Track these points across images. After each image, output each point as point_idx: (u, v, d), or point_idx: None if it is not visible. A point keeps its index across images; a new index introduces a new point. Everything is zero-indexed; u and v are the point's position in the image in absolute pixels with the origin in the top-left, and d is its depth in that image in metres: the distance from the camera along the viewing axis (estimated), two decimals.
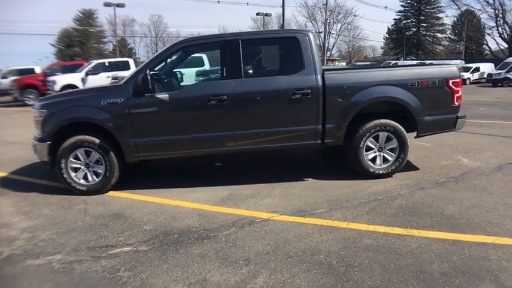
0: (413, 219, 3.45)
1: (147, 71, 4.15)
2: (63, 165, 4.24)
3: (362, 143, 4.48)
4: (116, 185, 4.45)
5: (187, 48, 4.55)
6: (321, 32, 46.79)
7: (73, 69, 16.74)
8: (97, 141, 4.21)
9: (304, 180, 4.67)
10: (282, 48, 4.62)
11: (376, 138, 4.55)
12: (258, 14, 32.83)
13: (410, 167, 5.05)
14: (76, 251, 3.09)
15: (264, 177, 4.73)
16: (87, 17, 57.66)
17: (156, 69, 4.38)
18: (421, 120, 4.54)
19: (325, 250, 2.95)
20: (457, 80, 4.57)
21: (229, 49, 4.29)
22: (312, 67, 4.32)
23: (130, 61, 17.09)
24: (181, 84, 4.65)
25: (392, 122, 4.50)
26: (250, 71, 4.42)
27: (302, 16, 64.93)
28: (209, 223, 3.53)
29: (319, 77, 4.32)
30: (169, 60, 4.50)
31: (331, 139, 4.48)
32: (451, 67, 4.78)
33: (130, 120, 4.18)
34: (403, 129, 4.54)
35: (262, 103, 4.34)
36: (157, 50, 64.27)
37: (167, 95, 4.18)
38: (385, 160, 4.63)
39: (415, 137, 4.79)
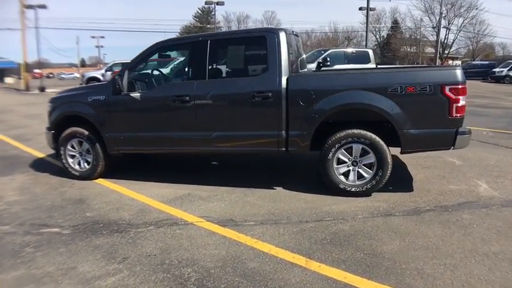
0: (333, 249, 2.99)
1: (126, 71, 4.51)
2: (62, 152, 4.95)
3: (331, 155, 4.01)
4: (109, 173, 4.99)
5: (162, 50, 4.75)
6: (435, 27, 41.37)
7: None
8: (86, 133, 4.78)
9: (272, 188, 4.42)
10: (250, 48, 4.43)
11: (350, 151, 4.01)
12: (360, 8, 30.83)
13: (406, 186, 4.30)
14: (20, 225, 3.64)
15: (237, 181, 4.65)
16: (205, 14, 62.82)
17: (137, 69, 4.71)
18: (405, 133, 3.81)
19: (200, 264, 2.83)
20: (458, 87, 3.67)
21: (198, 50, 4.33)
22: (276, 69, 4.04)
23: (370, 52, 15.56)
24: (156, 84, 4.87)
25: (368, 134, 3.89)
26: (215, 72, 4.37)
27: (418, 10, 58.61)
28: (138, 219, 3.71)
29: (283, 79, 4.02)
30: (146, 61, 4.76)
31: (295, 148, 4.13)
32: (450, 70, 3.84)
33: (110, 116, 4.62)
34: (382, 142, 3.88)
35: (223, 105, 4.27)
36: None
37: (139, 94, 4.47)
38: (360, 177, 4.04)
39: (400, 153, 4.05)
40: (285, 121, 4.06)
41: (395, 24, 55.64)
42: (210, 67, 4.29)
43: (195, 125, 4.34)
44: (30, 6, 23.55)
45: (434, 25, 43.75)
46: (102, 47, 64.96)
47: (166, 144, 4.55)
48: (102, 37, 60.33)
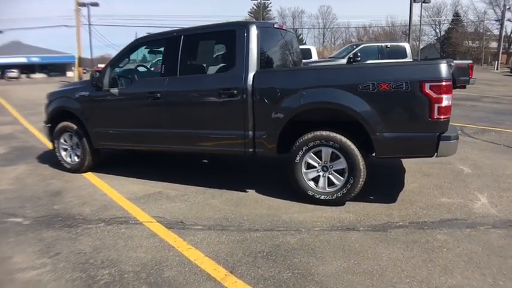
0: (263, 265, 2.69)
1: (108, 67, 4.56)
2: (56, 145, 5.17)
3: (298, 158, 3.67)
4: (99, 167, 5.12)
5: (142, 45, 4.70)
6: (498, 20, 36.95)
7: None
8: (75, 127, 4.93)
9: (244, 191, 4.19)
10: (220, 43, 4.22)
11: (319, 155, 3.64)
12: (414, 0, 28.53)
13: (390, 197, 3.82)
14: None
15: (217, 181, 4.48)
16: (261, 10, 62.80)
17: (119, 65, 4.73)
18: (378, 137, 3.35)
19: (120, 267, 2.73)
20: (440, 84, 3.12)
21: (171, 45, 4.22)
22: (243, 64, 3.78)
23: (313, 49, 15.69)
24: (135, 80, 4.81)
25: (338, 136, 3.49)
26: (186, 68, 4.22)
27: (482, 2, 53.27)
28: (95, 215, 3.71)
29: (250, 76, 3.75)
30: (127, 57, 4.74)
31: (262, 149, 3.85)
32: (431, 65, 3.26)
33: (93, 111, 4.71)
34: (353, 147, 3.46)
35: (192, 103, 4.12)
36: (323, 41, 64.75)
37: (117, 90, 4.48)
38: (331, 183, 3.65)
39: (375, 158, 3.58)
40: (251, 121, 3.80)
41: (456, 17, 51.25)
42: (181, 63, 4.15)
43: (167, 122, 4.24)
44: (83, 4, 25.27)
45: (499, 18, 39.33)
46: None
47: (142, 141, 4.52)
48: None
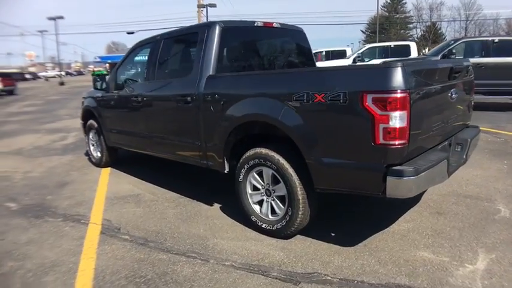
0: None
1: (114, 70, 4.84)
2: (86, 141, 5.76)
3: (241, 177, 3.21)
4: (118, 164, 5.51)
5: (138, 49, 4.74)
6: None
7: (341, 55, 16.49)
8: (96, 125, 5.40)
9: (209, 204, 3.89)
10: (187, 46, 3.93)
11: (262, 175, 3.09)
12: None
13: (354, 239, 3.00)
14: (1, 197, 4.49)
15: (194, 190, 4.31)
16: (395, 3, 57.99)
17: (123, 68, 4.92)
18: (313, 162, 2.64)
19: (12, 256, 2.84)
20: (387, 97, 2.24)
21: (153, 49, 4.20)
22: (199, 69, 3.47)
23: (412, 45, 14.27)
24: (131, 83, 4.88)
25: (276, 156, 2.89)
26: (161, 73, 4.11)
27: None
28: (65, 210, 3.97)
29: (203, 81, 3.43)
30: (130, 60, 4.87)
31: (212, 162, 3.49)
32: (377, 69, 2.34)
33: (103, 112, 5.07)
34: (290, 170, 2.82)
35: (159, 109, 4.04)
36: (465, 35, 55.84)
37: (116, 93, 4.71)
38: (273, 211, 3.07)
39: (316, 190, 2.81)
40: (202, 130, 3.48)
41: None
42: (158, 67, 4.09)
43: (144, 126, 4.26)
44: (202, 6, 27.31)
45: None
46: None
47: (133, 144, 4.65)
48: None
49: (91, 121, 5.53)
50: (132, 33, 50.33)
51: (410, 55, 12.49)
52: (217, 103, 3.26)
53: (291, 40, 4.38)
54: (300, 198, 2.79)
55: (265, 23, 3.96)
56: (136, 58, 4.83)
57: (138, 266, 2.75)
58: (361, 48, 14.62)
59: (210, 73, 3.42)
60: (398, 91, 2.24)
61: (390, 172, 2.30)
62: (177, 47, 4.19)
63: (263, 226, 3.10)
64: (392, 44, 14.84)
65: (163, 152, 4.15)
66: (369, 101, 2.30)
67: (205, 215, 3.63)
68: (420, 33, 57.41)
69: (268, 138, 3.08)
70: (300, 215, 2.83)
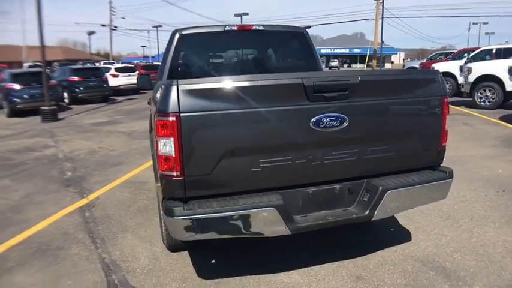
0: None
1: None
2: None
3: None
4: None
5: None
6: None
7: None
8: None
9: None
10: None
11: None
12: None
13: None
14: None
15: None
16: None
17: None
18: None
19: None
20: (158, 119, 2.04)
21: None
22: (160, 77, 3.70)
23: None
24: None
25: None
26: None
27: None
28: (85, 186, 4.96)
29: None
30: None
31: None
32: (159, 87, 1.96)
33: None
34: None
35: None
36: None
37: None
38: None
39: None
40: None
41: None
42: None
43: None
44: None
45: None
46: (492, 33, 56.25)
47: None
48: (485, 23, 52.91)
49: None
50: (309, 27, 53.75)
51: None
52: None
53: (285, 41, 4.05)
54: None
55: (241, 26, 3.81)
56: None
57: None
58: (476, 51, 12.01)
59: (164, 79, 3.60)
60: (170, 113, 1.94)
61: (163, 206, 2.04)
62: None
63: None
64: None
65: None
66: (158, 124, 2.07)
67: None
68: None
69: None
70: None
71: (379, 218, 2.32)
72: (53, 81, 12.92)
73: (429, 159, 2.48)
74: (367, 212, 2.27)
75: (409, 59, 62.42)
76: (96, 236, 3.43)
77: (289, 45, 4.11)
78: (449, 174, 2.44)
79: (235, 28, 3.80)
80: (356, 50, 63.80)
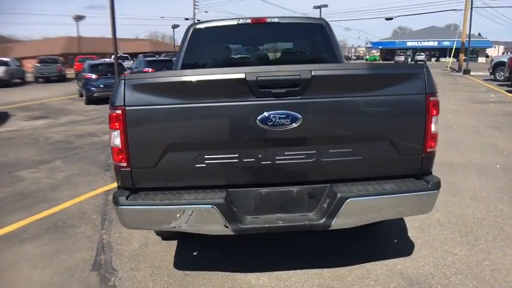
0: None
1: None
2: None
3: None
4: None
5: None
6: None
7: None
8: None
9: None
10: None
11: None
12: None
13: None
14: None
15: None
16: None
17: None
18: None
19: None
20: (110, 113, 2.11)
21: None
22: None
23: None
24: None
25: None
26: None
27: None
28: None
29: None
30: None
31: None
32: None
33: None
34: None
35: None
36: None
37: None
38: None
39: None
40: None
41: None
42: None
43: None
44: None
45: None
46: None
47: None
48: None
49: None
50: (391, 19, 50.61)
51: None
52: None
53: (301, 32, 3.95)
54: None
55: (255, 19, 3.73)
56: None
57: None
58: None
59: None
60: (117, 107, 2.01)
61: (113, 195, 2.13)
62: None
63: None
64: None
65: None
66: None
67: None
68: None
69: None
70: None
71: (339, 227, 2.11)
72: (126, 72, 14.18)
73: (410, 166, 2.17)
74: (324, 219, 2.08)
75: (508, 53, 55.09)
76: (107, 218, 3.72)
77: (306, 37, 3.92)
78: (432, 186, 2.11)
79: (249, 21, 3.74)
80: (446, 43, 58.34)
